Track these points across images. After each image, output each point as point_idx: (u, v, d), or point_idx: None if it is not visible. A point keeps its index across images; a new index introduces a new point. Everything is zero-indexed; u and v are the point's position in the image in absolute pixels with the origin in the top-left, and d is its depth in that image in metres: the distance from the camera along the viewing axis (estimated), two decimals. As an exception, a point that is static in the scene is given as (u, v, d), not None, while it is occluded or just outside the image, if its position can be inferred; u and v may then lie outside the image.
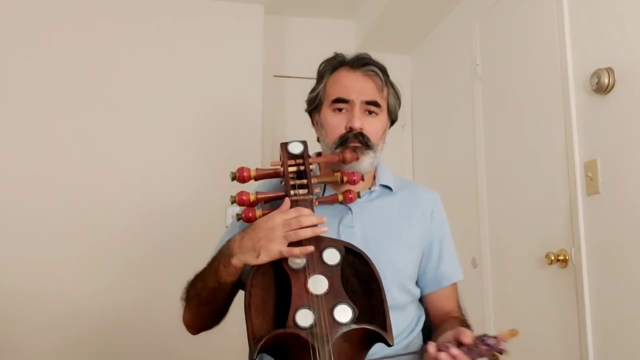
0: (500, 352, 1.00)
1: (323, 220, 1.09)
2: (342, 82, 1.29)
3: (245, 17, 2.89)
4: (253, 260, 1.07)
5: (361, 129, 1.25)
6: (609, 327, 1.77)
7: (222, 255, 1.13)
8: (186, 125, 2.74)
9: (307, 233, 1.06)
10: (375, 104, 1.27)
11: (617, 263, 1.74)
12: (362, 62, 1.30)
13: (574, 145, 1.92)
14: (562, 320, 1.95)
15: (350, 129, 1.25)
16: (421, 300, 1.35)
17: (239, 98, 2.81)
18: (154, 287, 2.51)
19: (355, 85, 1.27)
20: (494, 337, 0.99)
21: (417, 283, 1.33)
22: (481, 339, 0.99)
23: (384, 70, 1.31)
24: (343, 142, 1.24)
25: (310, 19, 3.16)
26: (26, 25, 2.64)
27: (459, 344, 0.99)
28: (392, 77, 1.36)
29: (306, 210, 1.08)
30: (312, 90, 1.34)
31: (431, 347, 1.00)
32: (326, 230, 1.08)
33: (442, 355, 0.97)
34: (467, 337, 0.99)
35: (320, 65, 1.34)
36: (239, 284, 1.17)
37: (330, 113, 1.28)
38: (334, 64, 1.32)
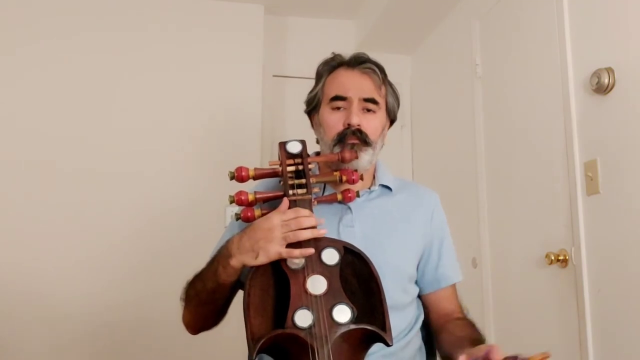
0: None
1: (321, 222, 1.08)
2: (340, 80, 1.29)
3: (245, 17, 2.89)
4: (251, 262, 1.07)
5: (359, 125, 1.25)
6: (609, 327, 1.76)
7: (221, 256, 1.13)
8: (186, 125, 2.74)
9: (306, 234, 1.05)
10: (373, 101, 1.28)
11: (617, 263, 1.74)
12: (359, 61, 1.30)
13: (574, 145, 1.92)
14: (562, 320, 1.95)
15: (349, 126, 1.24)
16: (420, 300, 1.35)
17: (238, 98, 2.81)
18: (153, 286, 2.51)
19: (353, 83, 1.28)
20: (526, 359, 0.93)
21: (416, 283, 1.33)
22: (513, 358, 0.94)
23: (381, 69, 1.31)
24: (341, 139, 1.24)
25: (310, 19, 3.16)
26: (25, 28, 2.64)
27: None
28: (392, 77, 1.36)
29: (305, 211, 1.08)
30: (311, 91, 1.35)
31: (462, 359, 0.97)
32: (325, 232, 1.08)
33: None
34: (499, 355, 0.95)
35: (319, 66, 1.35)
36: (238, 285, 1.17)
37: (328, 111, 1.29)
38: (332, 65, 1.32)
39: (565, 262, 1.94)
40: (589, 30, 1.90)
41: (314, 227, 1.07)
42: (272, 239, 1.05)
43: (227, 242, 1.14)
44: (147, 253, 2.57)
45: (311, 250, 1.05)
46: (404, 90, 3.18)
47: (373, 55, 1.34)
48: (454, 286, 1.35)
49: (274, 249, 1.05)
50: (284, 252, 1.05)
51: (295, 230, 1.05)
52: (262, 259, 1.06)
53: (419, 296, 1.34)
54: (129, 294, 2.51)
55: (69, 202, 2.55)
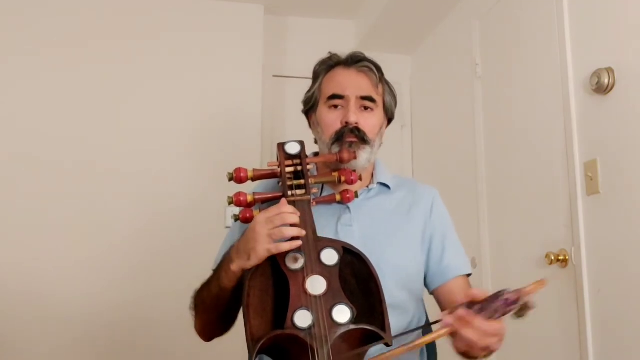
0: (526, 306, 0.92)
1: (297, 213, 1.07)
2: (337, 79, 1.30)
3: (245, 17, 2.89)
4: (245, 264, 1.07)
5: (357, 123, 1.25)
6: (609, 327, 1.76)
7: (225, 261, 1.14)
8: (186, 125, 2.74)
9: (291, 232, 1.04)
10: (370, 99, 1.28)
11: (617, 263, 1.74)
12: (356, 60, 1.31)
13: (574, 145, 1.92)
14: (562, 320, 1.95)
15: (346, 124, 1.25)
16: (435, 298, 1.32)
17: (238, 98, 2.81)
18: (153, 286, 2.51)
19: (350, 82, 1.28)
20: (515, 292, 0.92)
21: (425, 281, 1.32)
22: (496, 295, 0.92)
23: (378, 68, 1.32)
24: (339, 137, 1.24)
25: (310, 19, 3.16)
26: (28, 32, 2.65)
27: (470, 305, 0.94)
28: (393, 77, 1.36)
29: (288, 207, 1.07)
30: (308, 91, 1.35)
31: (442, 314, 0.96)
32: (304, 233, 1.07)
33: (448, 319, 0.94)
34: (478, 294, 0.95)
35: (316, 65, 1.35)
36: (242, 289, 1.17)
37: (326, 110, 1.29)
38: (329, 64, 1.33)
39: (565, 262, 1.94)
40: (589, 30, 1.90)
41: (298, 225, 1.05)
42: (257, 238, 1.05)
43: (231, 248, 1.15)
44: (147, 253, 2.57)
45: (299, 243, 1.05)
46: (404, 90, 3.17)
47: (373, 55, 1.34)
48: (465, 279, 1.31)
49: (261, 247, 1.04)
50: (272, 248, 1.04)
51: (279, 226, 1.04)
52: (254, 260, 1.05)
53: (432, 294, 1.32)
54: (129, 294, 2.51)
55: (69, 202, 2.55)
